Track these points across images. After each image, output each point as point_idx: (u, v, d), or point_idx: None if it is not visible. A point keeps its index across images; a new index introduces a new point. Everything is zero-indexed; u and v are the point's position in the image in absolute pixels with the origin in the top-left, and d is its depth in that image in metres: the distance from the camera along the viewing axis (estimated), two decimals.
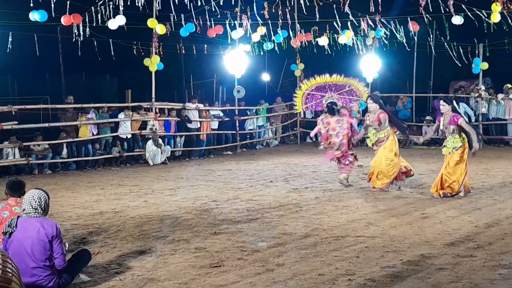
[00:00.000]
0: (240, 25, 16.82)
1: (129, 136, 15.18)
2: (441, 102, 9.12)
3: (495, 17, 14.13)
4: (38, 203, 4.87)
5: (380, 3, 14.65)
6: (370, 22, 16.30)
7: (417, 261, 5.60)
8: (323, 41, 17.90)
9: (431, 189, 9.05)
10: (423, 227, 7.03)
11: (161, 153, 14.97)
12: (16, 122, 13.31)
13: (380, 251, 5.97)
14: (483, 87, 17.43)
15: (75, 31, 14.08)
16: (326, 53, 18.22)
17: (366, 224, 7.25)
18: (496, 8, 14.06)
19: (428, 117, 17.97)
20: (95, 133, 14.70)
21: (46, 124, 14.64)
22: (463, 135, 8.78)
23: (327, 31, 17.64)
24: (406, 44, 17.10)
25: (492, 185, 10.06)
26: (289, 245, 6.28)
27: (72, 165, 14.02)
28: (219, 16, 16.11)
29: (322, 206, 8.48)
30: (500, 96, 17.04)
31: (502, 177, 10.89)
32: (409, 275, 5.19)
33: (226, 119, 17.06)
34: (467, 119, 15.93)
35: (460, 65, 17.27)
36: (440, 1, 14.12)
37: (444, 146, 9.02)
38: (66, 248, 5.27)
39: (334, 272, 5.32)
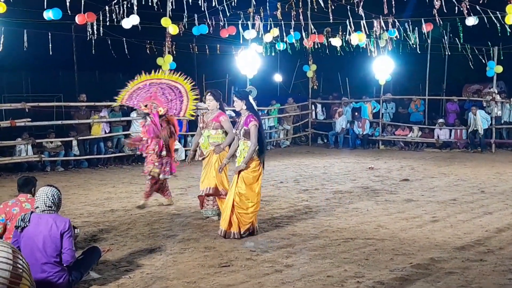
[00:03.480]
0: (253, 25, 16.83)
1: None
2: (233, 97, 7.20)
3: (510, 19, 14.01)
4: (52, 201, 4.91)
5: (393, 4, 14.58)
6: (383, 24, 16.22)
7: (426, 264, 5.58)
8: (336, 42, 17.86)
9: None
10: (433, 230, 7.00)
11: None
12: (29, 119, 13.42)
13: (390, 254, 5.96)
14: (496, 91, 17.30)
15: (89, 29, 14.16)
16: (339, 54, 18.18)
17: (376, 226, 7.23)
18: (511, 10, 13.93)
19: (440, 120, 17.88)
20: (107, 131, 14.79)
21: (59, 122, 14.75)
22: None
23: (340, 32, 17.60)
24: (419, 46, 17.00)
25: (504, 189, 9.98)
26: (298, 246, 6.28)
27: (84, 163, 14.11)
28: (232, 16, 16.13)
29: (332, 208, 8.47)
30: None
31: None
32: (418, 278, 5.17)
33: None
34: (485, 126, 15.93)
35: (473, 67, 17.16)
36: (455, 1, 14.01)
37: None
38: (77, 233, 5.27)
39: (343, 274, 5.32)
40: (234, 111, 17.54)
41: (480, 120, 16.40)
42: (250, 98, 6.87)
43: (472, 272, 5.32)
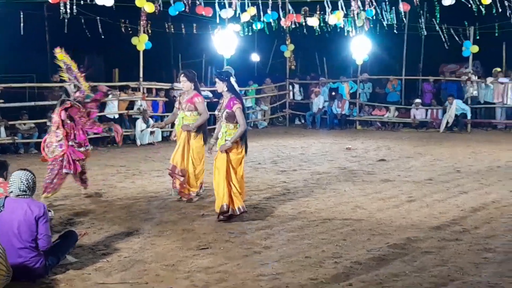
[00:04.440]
0: (230, 4, 16.63)
1: (116, 116, 15.06)
2: (215, 78, 6.92)
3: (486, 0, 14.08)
4: (27, 185, 4.82)
5: None
6: (360, 4, 16.17)
7: (403, 244, 5.65)
8: (313, 22, 17.77)
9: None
10: (409, 210, 7.08)
11: (150, 133, 14.89)
12: (1, 101, 13.14)
13: (367, 234, 6.01)
14: (472, 71, 17.46)
15: (62, 8, 13.83)
16: (317, 34, 18.10)
17: (353, 207, 7.28)
18: None
19: (417, 100, 18.01)
20: None
21: (32, 103, 14.46)
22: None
23: (318, 12, 17.50)
24: (396, 26, 17.02)
25: (479, 169, 10.13)
26: (276, 228, 6.30)
27: None
28: None
29: (310, 189, 8.49)
30: (489, 79, 17.10)
31: (489, 161, 10.97)
32: (395, 258, 5.23)
33: (215, 100, 16.97)
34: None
35: (450, 48, 17.26)
36: None
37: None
38: (51, 215, 5.20)
39: (321, 255, 5.34)
40: (212, 91, 17.44)
41: (454, 110, 16.52)
42: (232, 80, 6.77)
43: (447, 252, 5.39)
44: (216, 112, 6.94)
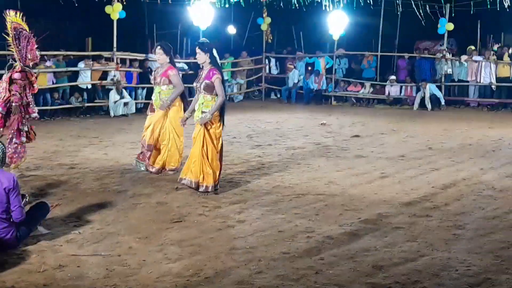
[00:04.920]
0: None
1: (89, 86, 14.81)
2: (197, 49, 6.70)
3: None
4: None
5: None
6: None
7: (374, 220, 5.73)
8: None
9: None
10: (382, 186, 7.18)
11: (124, 105, 14.70)
12: None
13: (339, 210, 6.08)
14: (446, 48, 17.59)
15: None
16: (294, 7, 17.96)
17: (326, 182, 7.34)
18: None
19: (392, 77, 18.10)
20: (54, 82, 14.28)
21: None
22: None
23: None
24: (372, 1, 16.97)
25: (451, 146, 10.28)
26: (251, 202, 6.32)
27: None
28: None
29: (285, 164, 8.52)
30: (463, 57, 17.25)
31: (461, 139, 11.14)
32: (366, 233, 5.31)
33: (190, 72, 16.79)
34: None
35: (425, 24, 17.32)
36: None
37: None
38: (27, 200, 5.15)
39: (294, 229, 5.40)
40: (187, 63, 17.26)
41: (428, 94, 16.64)
42: (214, 52, 6.66)
43: (418, 227, 5.49)
44: (194, 84, 6.84)
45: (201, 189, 6.52)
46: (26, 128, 7.18)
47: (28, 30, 7.29)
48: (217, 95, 6.53)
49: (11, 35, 7.14)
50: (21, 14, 7.25)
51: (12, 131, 7.14)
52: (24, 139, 7.19)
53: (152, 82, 7.78)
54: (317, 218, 5.77)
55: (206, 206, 6.11)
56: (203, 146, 6.50)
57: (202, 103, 6.58)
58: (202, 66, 6.77)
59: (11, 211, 4.69)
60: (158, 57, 7.64)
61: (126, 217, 5.70)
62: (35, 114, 7.41)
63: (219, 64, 6.87)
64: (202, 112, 6.54)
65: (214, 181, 6.57)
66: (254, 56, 20.02)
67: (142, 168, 7.69)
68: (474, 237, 5.22)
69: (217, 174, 6.64)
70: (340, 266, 4.47)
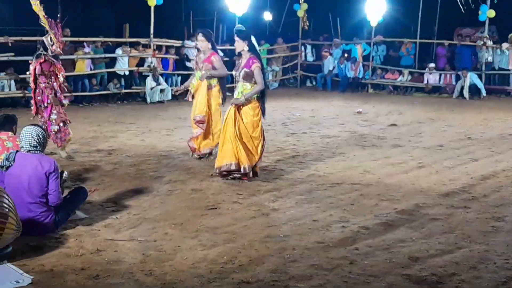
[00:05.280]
0: None
1: (127, 72, 15.00)
2: (235, 37, 6.66)
3: None
4: (37, 141, 4.83)
5: None
6: None
7: (410, 210, 5.64)
8: None
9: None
10: (418, 176, 7.06)
11: (160, 91, 14.85)
12: (12, 54, 13.07)
13: (375, 199, 6.01)
14: (487, 35, 17.12)
15: None
16: None
17: (362, 171, 7.27)
18: None
19: (431, 64, 17.75)
20: (92, 68, 14.51)
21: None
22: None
23: None
24: None
25: (490, 136, 10.04)
26: (285, 190, 6.31)
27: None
28: None
29: (319, 152, 8.47)
30: (504, 45, 16.77)
31: (501, 129, 10.86)
32: (402, 224, 5.23)
33: (226, 59, 16.82)
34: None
35: (466, 11, 16.87)
36: None
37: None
38: (65, 177, 5.24)
39: (328, 218, 5.36)
40: (223, 50, 17.25)
41: (468, 83, 16.23)
42: (253, 39, 6.65)
43: (455, 219, 5.39)
44: (233, 72, 6.87)
45: (240, 171, 6.53)
46: (54, 116, 7.38)
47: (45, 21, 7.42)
48: (256, 83, 6.52)
49: (46, 23, 7.29)
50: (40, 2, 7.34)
51: (43, 121, 7.34)
52: (56, 127, 7.38)
53: (194, 67, 7.84)
54: (352, 208, 5.72)
55: (240, 194, 6.12)
56: (234, 127, 6.51)
57: (242, 92, 6.59)
58: (241, 54, 6.76)
59: (48, 195, 4.79)
60: (200, 44, 7.71)
61: (162, 203, 5.77)
62: (65, 101, 7.60)
63: (258, 51, 6.84)
64: (235, 98, 6.58)
65: (251, 164, 6.57)
66: (290, 43, 19.90)
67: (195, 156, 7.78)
68: None
69: (256, 158, 6.63)
70: (375, 257, 4.42)
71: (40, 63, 7.41)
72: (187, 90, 7.90)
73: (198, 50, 8.07)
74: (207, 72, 7.51)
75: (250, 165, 6.57)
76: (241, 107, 6.57)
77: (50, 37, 7.43)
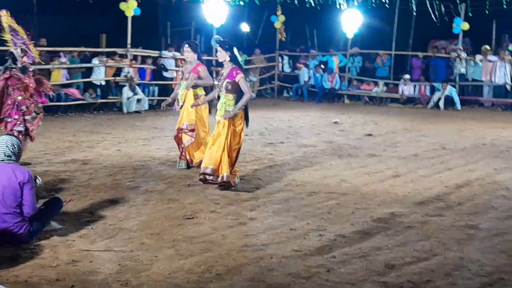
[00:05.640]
0: None
1: (103, 82, 14.90)
2: (218, 47, 6.75)
3: None
4: (12, 150, 4.76)
5: None
6: None
7: (386, 219, 5.70)
8: None
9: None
10: (394, 185, 7.13)
11: (137, 101, 14.77)
12: None
13: (351, 208, 6.05)
14: (461, 48, 17.44)
15: None
16: (308, 6, 17.93)
17: (338, 181, 7.32)
18: None
19: (406, 76, 18.01)
20: (68, 78, 14.38)
21: None
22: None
23: None
24: (387, 0, 16.89)
25: (464, 146, 10.20)
26: (262, 200, 6.32)
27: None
28: None
29: (297, 162, 8.51)
30: (478, 57, 17.11)
31: (474, 139, 11.05)
32: (379, 232, 5.28)
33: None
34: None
35: (440, 24, 17.19)
36: None
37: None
38: (39, 183, 5.17)
39: (306, 227, 5.38)
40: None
41: (445, 95, 16.51)
42: (235, 50, 6.74)
43: (431, 227, 5.46)
44: (215, 82, 6.95)
45: (219, 179, 6.55)
46: (20, 128, 7.28)
47: (21, 31, 7.30)
48: (237, 93, 6.59)
49: (9, 38, 7.16)
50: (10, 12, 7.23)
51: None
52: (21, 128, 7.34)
53: (179, 78, 7.99)
54: (329, 216, 5.75)
55: (218, 203, 6.12)
56: (226, 139, 6.55)
57: (225, 102, 6.67)
58: (223, 64, 6.84)
59: (23, 205, 4.72)
60: (187, 55, 7.83)
61: (138, 213, 5.73)
62: (30, 116, 7.49)
63: (240, 62, 6.94)
64: (226, 111, 6.61)
65: (230, 172, 6.61)
66: (267, 54, 20.02)
67: (184, 166, 7.79)
68: (487, 237, 5.18)
69: (233, 167, 6.67)
70: (352, 265, 4.45)
71: (5, 79, 7.25)
72: (174, 100, 7.97)
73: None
74: (192, 82, 7.61)
75: (228, 175, 6.57)
76: (232, 118, 6.61)
77: (21, 48, 7.30)
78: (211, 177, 6.58)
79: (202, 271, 4.27)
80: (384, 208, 6.08)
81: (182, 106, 7.74)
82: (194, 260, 4.47)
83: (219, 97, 6.82)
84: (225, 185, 6.65)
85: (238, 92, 6.63)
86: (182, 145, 7.78)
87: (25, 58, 7.33)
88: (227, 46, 6.67)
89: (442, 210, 6.06)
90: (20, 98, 7.35)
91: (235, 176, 6.86)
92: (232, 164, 6.66)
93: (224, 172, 6.54)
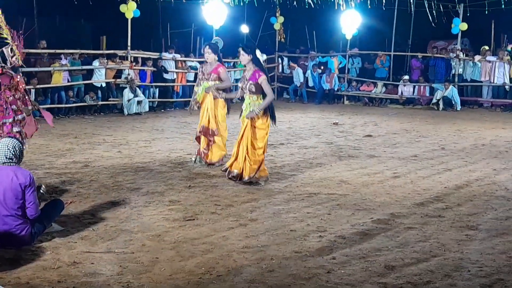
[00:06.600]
0: None
1: (104, 84, 14.93)
2: (240, 50, 7.00)
3: None
4: (13, 153, 4.78)
5: None
6: None
7: (386, 219, 5.72)
8: None
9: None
10: (394, 186, 7.16)
11: (138, 103, 14.80)
12: None
13: (351, 209, 6.08)
14: (460, 48, 17.48)
15: None
16: (307, 7, 17.95)
17: (338, 182, 7.34)
18: None
19: (405, 76, 18.04)
20: (69, 80, 14.41)
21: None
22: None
23: None
24: (386, 1, 16.91)
25: (463, 146, 10.23)
26: (263, 201, 6.34)
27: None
28: None
29: (297, 163, 8.54)
30: (477, 57, 17.14)
31: (474, 139, 11.08)
32: (378, 233, 5.30)
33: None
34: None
35: (439, 24, 17.22)
36: None
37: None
38: (42, 191, 5.20)
39: (306, 228, 5.41)
40: (200, 62, 17.27)
41: (445, 94, 16.56)
42: (258, 53, 6.94)
43: (430, 228, 5.48)
44: (239, 84, 7.18)
45: (244, 180, 6.92)
46: (18, 129, 7.23)
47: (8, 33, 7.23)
48: (262, 94, 6.82)
49: (9, 33, 7.10)
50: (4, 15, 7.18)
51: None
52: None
53: (199, 77, 8.18)
54: (329, 217, 5.78)
55: (218, 205, 6.14)
56: (247, 139, 6.84)
57: (249, 103, 6.91)
58: (246, 67, 7.06)
59: (26, 208, 4.75)
60: (207, 56, 8.05)
61: (139, 215, 5.75)
62: (22, 115, 7.41)
63: (263, 64, 7.17)
64: (249, 111, 6.86)
65: (255, 171, 6.91)
66: (266, 55, 20.02)
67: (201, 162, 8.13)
68: (486, 238, 5.20)
69: (258, 166, 6.93)
70: (352, 266, 4.47)
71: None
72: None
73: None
74: (214, 85, 7.85)
75: (251, 177, 6.90)
76: (254, 119, 6.84)
77: (11, 48, 7.26)
78: (236, 180, 6.97)
79: (203, 272, 4.30)
80: (384, 209, 6.10)
81: (199, 106, 8.07)
82: (195, 262, 4.50)
83: (243, 98, 7.10)
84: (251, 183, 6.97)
85: (262, 93, 6.87)
86: (210, 143, 8.04)
87: (14, 58, 7.27)
88: (249, 49, 6.94)
89: (442, 211, 6.08)
90: (11, 98, 7.32)
91: (265, 173, 7.11)
92: (257, 168, 6.92)
93: (247, 175, 6.89)
